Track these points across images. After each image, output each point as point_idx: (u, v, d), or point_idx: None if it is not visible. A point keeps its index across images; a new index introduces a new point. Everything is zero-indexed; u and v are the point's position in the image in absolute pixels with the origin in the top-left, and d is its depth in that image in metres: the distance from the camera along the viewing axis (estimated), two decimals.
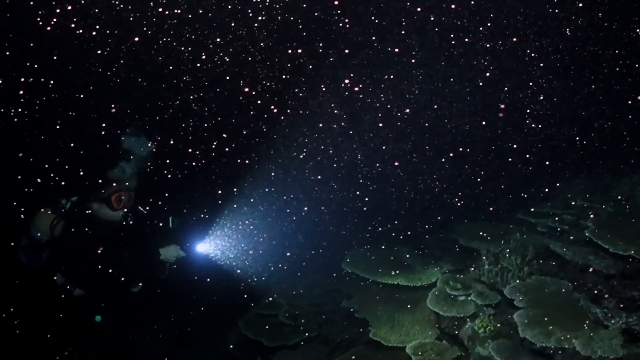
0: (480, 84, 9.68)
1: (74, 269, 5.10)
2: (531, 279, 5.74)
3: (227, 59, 8.63)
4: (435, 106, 9.73)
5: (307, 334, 6.85)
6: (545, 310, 5.21)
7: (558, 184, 8.98)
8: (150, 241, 5.43)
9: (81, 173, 6.38)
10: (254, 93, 9.02)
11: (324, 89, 9.32)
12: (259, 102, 9.14)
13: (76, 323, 6.48)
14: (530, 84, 9.85)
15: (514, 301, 5.48)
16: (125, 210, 5.18)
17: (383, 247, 7.94)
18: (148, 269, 5.36)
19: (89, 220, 5.03)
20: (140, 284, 5.43)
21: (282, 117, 9.32)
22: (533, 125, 9.85)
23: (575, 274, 5.84)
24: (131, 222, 5.24)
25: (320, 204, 9.63)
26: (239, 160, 9.27)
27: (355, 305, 6.62)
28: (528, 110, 9.90)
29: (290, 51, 8.89)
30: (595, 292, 5.37)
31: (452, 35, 9.40)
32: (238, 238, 8.65)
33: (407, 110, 9.67)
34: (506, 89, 9.78)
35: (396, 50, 9.30)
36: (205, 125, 8.99)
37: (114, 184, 5.11)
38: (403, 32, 9.21)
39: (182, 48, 8.31)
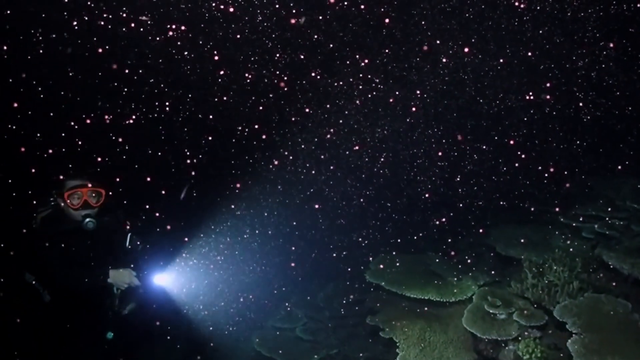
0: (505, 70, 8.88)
1: (38, 268, 4.49)
2: (584, 297, 5.09)
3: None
4: (468, 89, 8.93)
5: (326, 352, 6.37)
6: (602, 335, 4.60)
7: (601, 183, 8.27)
8: (103, 258, 4.59)
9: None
10: (266, 80, 8.38)
11: (343, 70, 8.59)
12: (270, 87, 8.47)
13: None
14: (574, 66, 8.95)
15: (564, 323, 4.86)
16: (89, 211, 4.41)
17: (410, 254, 7.34)
18: (87, 289, 4.49)
19: (56, 218, 4.44)
20: (131, 305, 4.72)
21: (295, 106, 8.65)
22: (573, 115, 9.04)
23: (633, 290, 5.22)
24: (93, 228, 4.38)
25: (339, 204, 9.07)
26: (246, 157, 8.67)
27: (380, 322, 6.03)
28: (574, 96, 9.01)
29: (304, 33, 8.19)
30: None
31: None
32: (239, 247, 8.19)
33: (429, 100, 8.95)
34: (542, 72, 8.93)
35: (421, 24, 8.48)
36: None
37: (74, 180, 4.42)
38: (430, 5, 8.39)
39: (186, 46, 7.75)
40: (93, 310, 4.68)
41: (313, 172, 8.94)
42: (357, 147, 8.99)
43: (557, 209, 7.84)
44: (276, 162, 8.76)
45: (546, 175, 8.67)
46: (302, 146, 8.81)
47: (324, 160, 8.95)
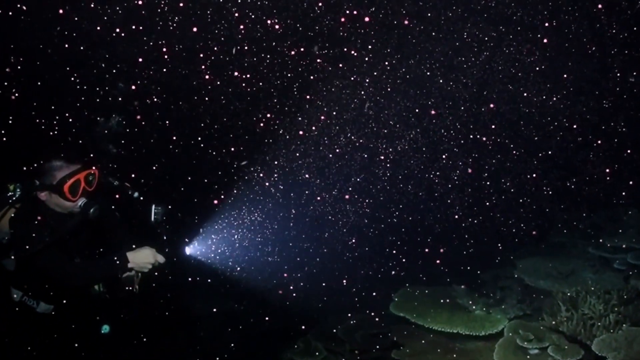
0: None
1: (26, 279, 3.94)
2: (622, 330, 4.96)
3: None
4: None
5: None
6: None
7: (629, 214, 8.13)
8: (115, 240, 4.16)
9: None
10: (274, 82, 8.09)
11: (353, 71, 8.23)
12: (274, 93, 8.17)
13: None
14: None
15: (603, 357, 4.72)
16: (85, 199, 3.86)
17: (435, 286, 7.23)
18: (107, 281, 4.02)
19: (39, 214, 3.80)
20: (130, 288, 4.06)
21: (306, 115, 8.36)
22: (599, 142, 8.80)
23: None
24: (96, 214, 3.86)
25: (358, 231, 8.94)
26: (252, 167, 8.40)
27: (406, 357, 5.89)
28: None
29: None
30: None
31: None
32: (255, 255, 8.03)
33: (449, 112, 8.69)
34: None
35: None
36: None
37: (66, 165, 3.83)
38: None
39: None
40: (84, 306, 4.30)
41: (325, 192, 8.80)
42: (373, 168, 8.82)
43: (584, 240, 7.77)
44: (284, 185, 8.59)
45: (579, 199, 8.48)
46: (313, 163, 8.65)
47: (335, 182, 8.80)
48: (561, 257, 7.51)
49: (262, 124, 8.16)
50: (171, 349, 7.23)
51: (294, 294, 8.10)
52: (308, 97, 8.19)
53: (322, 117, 8.36)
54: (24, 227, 3.70)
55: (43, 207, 3.85)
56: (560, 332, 5.40)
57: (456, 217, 8.85)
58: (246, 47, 7.61)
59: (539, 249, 8.07)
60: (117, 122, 4.08)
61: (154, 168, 7.45)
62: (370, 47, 8.11)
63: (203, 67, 7.52)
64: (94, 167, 3.95)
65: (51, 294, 4.07)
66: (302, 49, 7.85)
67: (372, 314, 7.37)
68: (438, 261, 8.19)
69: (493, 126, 8.75)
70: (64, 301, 4.14)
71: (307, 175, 8.59)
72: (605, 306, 5.37)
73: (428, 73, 8.49)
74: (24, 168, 4.17)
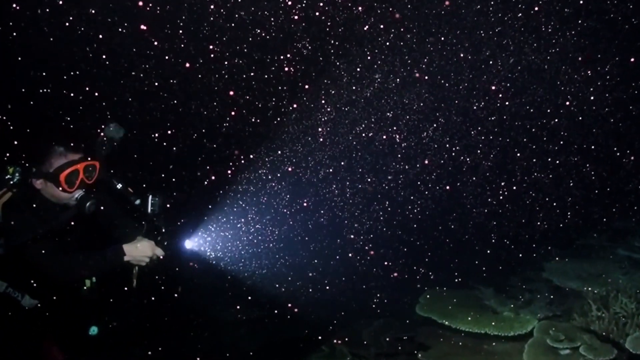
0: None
1: (12, 270, 3.68)
2: None
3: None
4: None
5: None
6: None
7: None
8: (114, 235, 3.93)
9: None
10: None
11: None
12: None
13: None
14: None
15: (637, 355, 4.66)
16: (84, 191, 3.63)
17: (461, 288, 7.18)
18: (104, 276, 3.80)
19: (32, 203, 3.58)
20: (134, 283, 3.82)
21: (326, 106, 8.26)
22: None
23: None
24: (92, 209, 3.61)
25: (382, 234, 8.89)
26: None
27: (433, 359, 5.85)
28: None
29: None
30: None
31: None
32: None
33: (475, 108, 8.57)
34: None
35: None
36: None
37: (65, 154, 3.59)
38: None
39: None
40: (74, 303, 4.02)
41: (348, 196, 8.77)
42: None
43: (612, 242, 7.69)
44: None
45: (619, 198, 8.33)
46: (337, 166, 8.62)
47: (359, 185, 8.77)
48: (589, 258, 7.44)
49: (276, 122, 8.14)
50: (195, 355, 7.26)
51: (319, 299, 8.11)
52: (323, 94, 8.12)
53: (338, 114, 8.32)
54: (13, 216, 3.49)
55: (38, 196, 3.64)
56: (592, 331, 5.34)
57: (483, 218, 8.77)
58: (260, 34, 7.57)
59: (567, 252, 7.99)
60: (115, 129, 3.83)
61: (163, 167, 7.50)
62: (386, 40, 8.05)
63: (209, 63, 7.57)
64: (95, 159, 3.70)
65: (38, 288, 3.85)
66: (317, 43, 7.82)
67: (398, 317, 7.36)
68: (464, 264, 8.14)
69: (520, 121, 8.59)
70: (52, 296, 3.93)
71: (336, 178, 8.59)
72: (638, 304, 5.31)
73: (451, 65, 8.38)
74: (23, 152, 3.89)
